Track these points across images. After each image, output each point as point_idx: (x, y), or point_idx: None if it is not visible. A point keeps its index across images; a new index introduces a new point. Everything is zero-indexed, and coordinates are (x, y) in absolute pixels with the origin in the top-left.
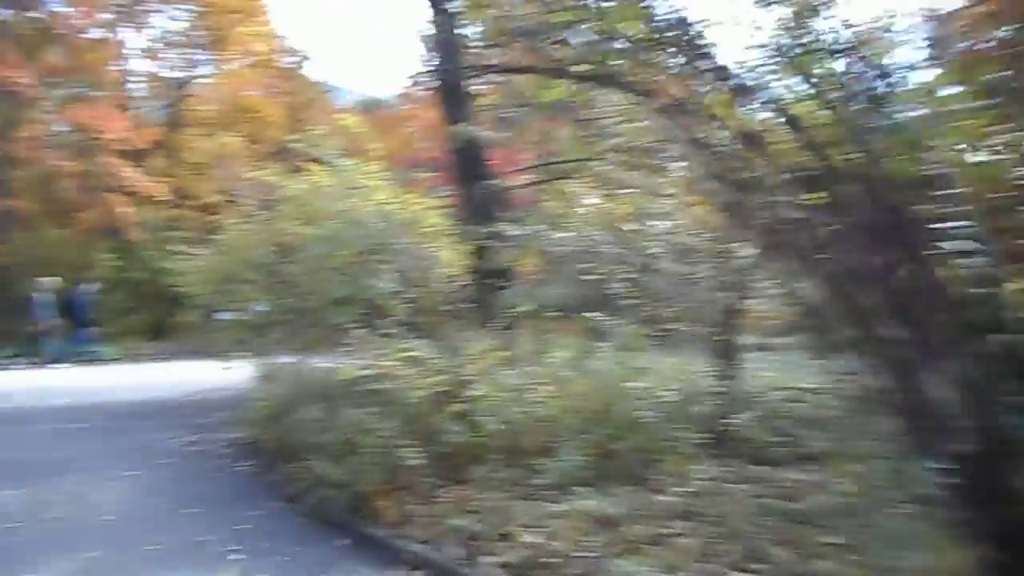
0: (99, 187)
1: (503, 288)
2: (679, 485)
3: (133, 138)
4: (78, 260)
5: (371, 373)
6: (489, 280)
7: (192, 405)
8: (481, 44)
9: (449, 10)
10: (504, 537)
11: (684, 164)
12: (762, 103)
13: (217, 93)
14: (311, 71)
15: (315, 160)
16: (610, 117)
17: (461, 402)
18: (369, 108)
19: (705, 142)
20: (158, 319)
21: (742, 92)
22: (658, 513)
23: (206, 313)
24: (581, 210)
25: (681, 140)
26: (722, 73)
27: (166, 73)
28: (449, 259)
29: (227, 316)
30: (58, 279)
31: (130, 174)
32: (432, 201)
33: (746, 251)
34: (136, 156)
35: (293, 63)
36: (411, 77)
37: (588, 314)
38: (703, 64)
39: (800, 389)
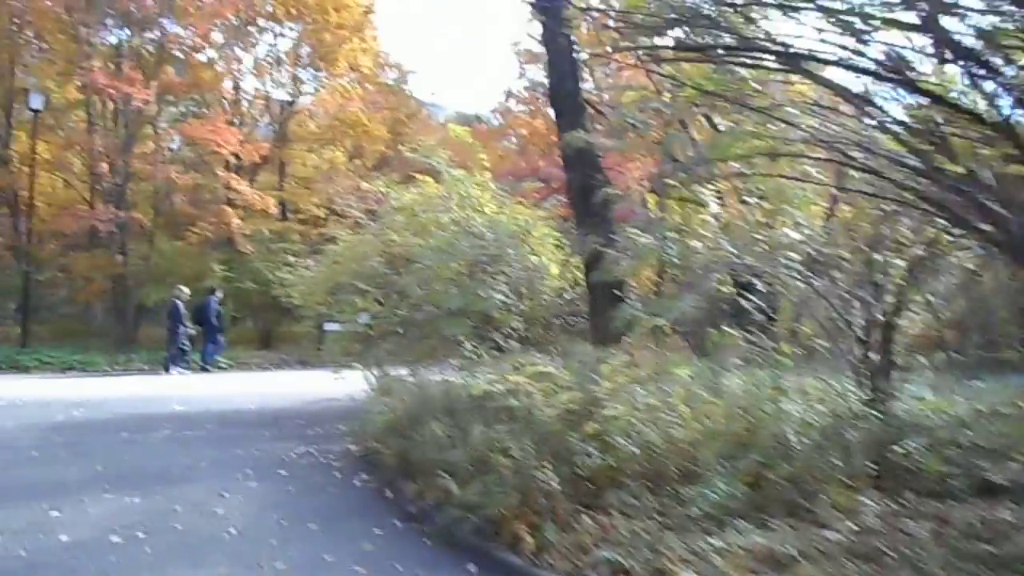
0: (211, 200)
1: (620, 301)
2: (847, 520)
3: (244, 153)
4: (191, 271)
5: (500, 389)
6: (603, 292)
7: (304, 415)
8: (626, 27)
9: (562, 12)
10: (660, 574)
11: (847, 164)
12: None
13: (323, 108)
14: (413, 86)
15: (425, 171)
16: (786, 107)
17: (595, 422)
18: (467, 123)
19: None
20: (266, 329)
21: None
22: (831, 552)
23: (315, 323)
24: (710, 218)
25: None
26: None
27: (274, 90)
28: (559, 271)
29: (336, 327)
30: (186, 289)
31: (241, 188)
32: (540, 212)
33: (899, 262)
34: (246, 170)
35: (396, 78)
36: (506, 91)
37: (719, 329)
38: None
39: (973, 412)
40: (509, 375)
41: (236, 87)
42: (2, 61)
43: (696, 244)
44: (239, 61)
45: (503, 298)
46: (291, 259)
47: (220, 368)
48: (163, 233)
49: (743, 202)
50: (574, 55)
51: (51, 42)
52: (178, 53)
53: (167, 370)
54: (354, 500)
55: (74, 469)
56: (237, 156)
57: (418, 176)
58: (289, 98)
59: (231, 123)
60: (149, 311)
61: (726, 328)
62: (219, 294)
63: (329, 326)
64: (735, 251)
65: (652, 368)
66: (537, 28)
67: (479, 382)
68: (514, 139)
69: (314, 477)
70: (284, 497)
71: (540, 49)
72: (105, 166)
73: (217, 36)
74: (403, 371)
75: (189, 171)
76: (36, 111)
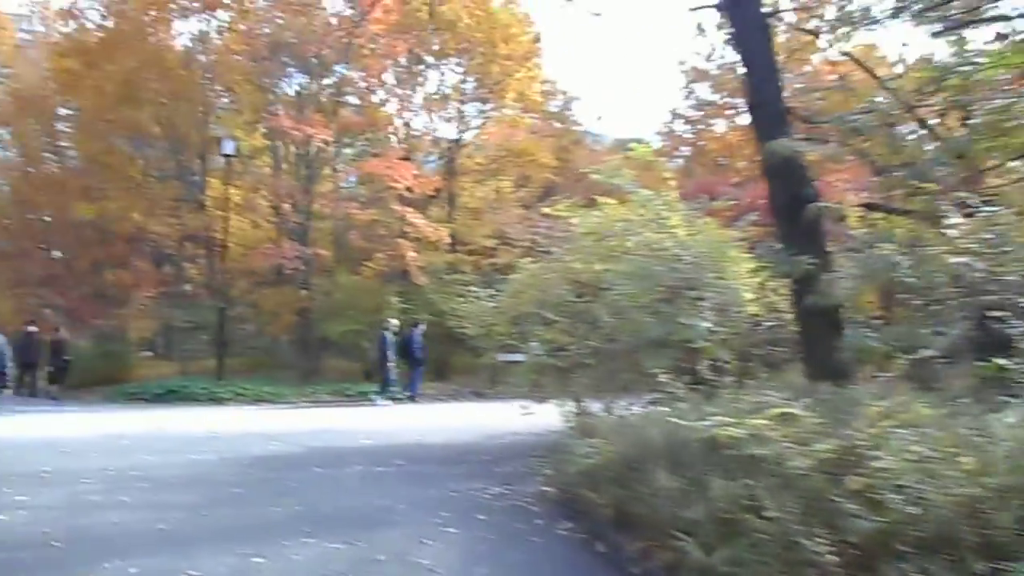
0: (387, 234)
1: (840, 328)
2: None
3: (417, 187)
4: (370, 304)
5: (740, 433)
6: (818, 319)
7: (490, 451)
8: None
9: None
10: None
11: None
12: None
13: (490, 140)
14: (578, 112)
15: (604, 194)
16: None
17: (860, 475)
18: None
19: None
20: (440, 360)
21: None
22: None
23: (492, 354)
24: (951, 231)
25: None
26: None
27: (442, 124)
28: (753, 296)
29: (515, 357)
30: (395, 321)
31: (416, 221)
32: (733, 232)
33: None
34: (418, 204)
35: (560, 105)
36: (671, 111)
37: (985, 360)
38: None
39: None
40: (747, 417)
41: (407, 124)
42: (197, 113)
43: (954, 259)
44: (409, 99)
45: (710, 326)
46: (464, 290)
47: (397, 399)
48: (342, 268)
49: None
50: (772, 55)
51: (239, 93)
52: (353, 97)
53: (382, 398)
54: (561, 553)
55: (274, 509)
56: (410, 190)
57: (599, 199)
58: (457, 132)
59: (406, 158)
60: (331, 344)
61: (995, 359)
62: (422, 327)
63: (506, 357)
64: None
65: (917, 409)
66: (706, 42)
67: (716, 426)
68: (680, 160)
69: (514, 523)
70: (486, 547)
71: (707, 66)
72: (288, 206)
73: (388, 77)
74: (596, 405)
75: (366, 207)
76: (228, 156)
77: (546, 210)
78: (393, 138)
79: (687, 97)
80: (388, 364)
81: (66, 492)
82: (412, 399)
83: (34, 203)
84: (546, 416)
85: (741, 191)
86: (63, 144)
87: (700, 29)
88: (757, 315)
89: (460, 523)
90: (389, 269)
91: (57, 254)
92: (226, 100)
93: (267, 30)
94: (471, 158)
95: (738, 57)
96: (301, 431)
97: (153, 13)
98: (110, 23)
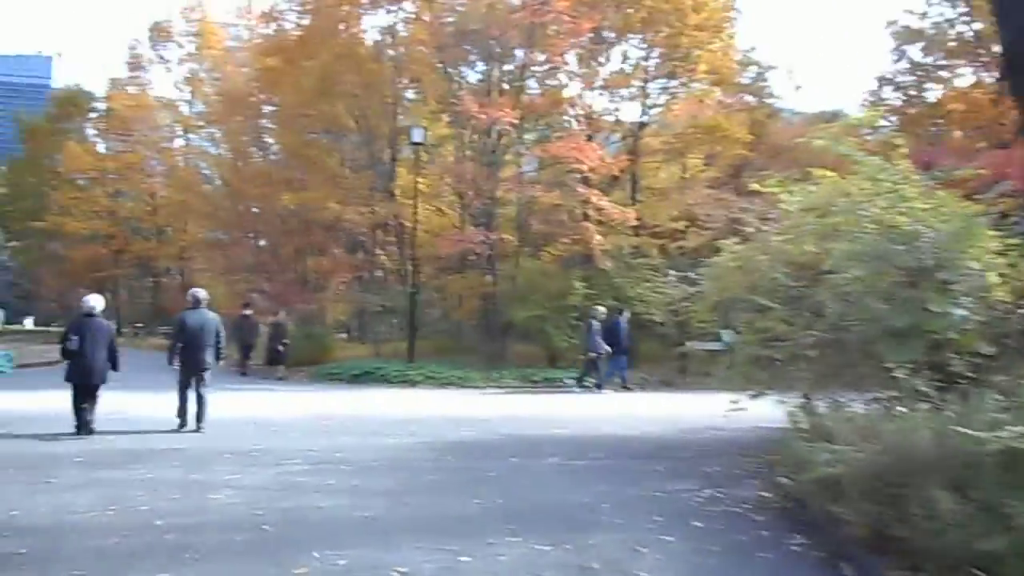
0: (571, 218)
1: None
2: None
3: (603, 168)
4: (554, 289)
5: None
6: None
7: (690, 447)
8: None
9: None
10: None
11: None
12: None
13: (678, 116)
14: (773, 83)
15: (824, 166)
16: None
17: None
18: (825, 121)
19: None
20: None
21: None
22: None
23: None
24: None
25: None
26: None
27: (625, 103)
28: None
29: (713, 346)
30: (602, 308)
31: (602, 203)
32: (976, 206)
33: None
34: (601, 186)
35: (755, 76)
36: (878, 78)
37: None
38: None
39: None
40: None
41: (589, 104)
42: (386, 105)
43: None
44: (592, 78)
45: (965, 314)
46: (652, 274)
47: (584, 387)
48: (525, 253)
49: None
50: None
51: (425, 83)
52: (534, 80)
53: (580, 386)
54: (802, 575)
55: (474, 502)
56: (593, 172)
57: (816, 172)
58: (641, 111)
59: (589, 138)
60: (515, 328)
61: None
62: (627, 314)
63: (703, 345)
64: None
65: None
66: None
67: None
68: (885, 129)
69: (735, 534)
70: (711, 561)
71: (922, 24)
72: (473, 193)
73: (570, 57)
74: (822, 403)
75: (549, 191)
76: (417, 144)
77: (754, 186)
78: (573, 120)
79: (897, 60)
80: (595, 353)
81: (273, 472)
82: (625, 388)
83: (244, 195)
84: (752, 411)
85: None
86: (266, 139)
87: None
88: (1006, 300)
89: (675, 530)
90: (570, 253)
91: (263, 243)
92: (412, 92)
93: (450, 19)
94: (656, 136)
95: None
96: (492, 417)
97: (346, 8)
98: (307, 21)
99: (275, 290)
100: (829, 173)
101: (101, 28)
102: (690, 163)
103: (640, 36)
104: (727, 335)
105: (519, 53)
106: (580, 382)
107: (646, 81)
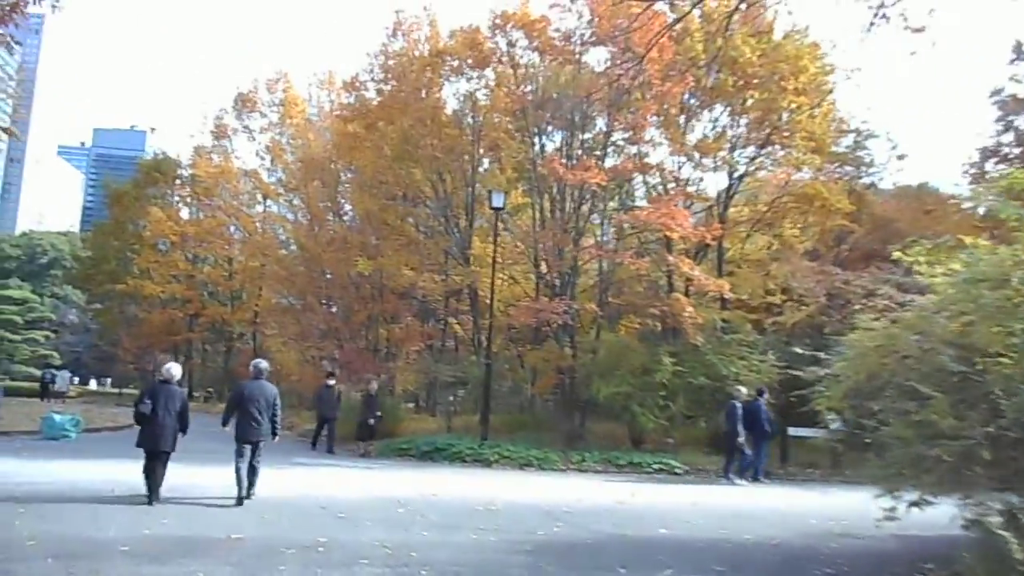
0: (657, 287)
1: None
2: None
3: (694, 236)
4: (638, 364)
5: None
6: None
7: (833, 559)
8: None
9: None
10: None
11: None
12: None
13: (771, 184)
14: (875, 151)
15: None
16: None
17: None
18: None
19: None
20: (718, 430)
21: None
22: None
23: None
24: None
25: None
26: None
27: (714, 170)
28: None
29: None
30: (743, 388)
31: (693, 272)
32: None
33: None
34: (689, 256)
35: (852, 144)
36: (980, 149)
37: None
38: None
39: None
40: None
41: (676, 170)
42: (465, 172)
43: None
44: (679, 142)
45: None
46: (746, 351)
47: (729, 479)
48: (604, 324)
49: None
50: None
51: (503, 150)
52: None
53: (727, 478)
54: None
55: None
56: (681, 240)
57: (966, 239)
58: (729, 177)
59: (679, 205)
60: (595, 405)
61: None
62: (766, 395)
63: (795, 431)
64: None
65: None
66: None
67: None
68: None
69: None
70: None
71: None
72: (551, 260)
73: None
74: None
75: (638, 259)
76: (497, 209)
77: (896, 254)
78: (661, 186)
79: (1003, 132)
80: (739, 440)
81: None
82: (757, 479)
83: (318, 260)
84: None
85: None
86: (344, 205)
87: (1020, 50)
88: None
89: None
90: (650, 327)
91: (336, 309)
92: (487, 159)
93: (530, 87)
94: (748, 205)
95: None
96: (583, 508)
97: (428, 75)
98: (388, 87)
99: (344, 358)
100: (983, 242)
101: (192, 101)
102: (785, 233)
103: (728, 102)
104: (837, 422)
105: (600, 121)
106: (727, 473)
107: (734, 148)
